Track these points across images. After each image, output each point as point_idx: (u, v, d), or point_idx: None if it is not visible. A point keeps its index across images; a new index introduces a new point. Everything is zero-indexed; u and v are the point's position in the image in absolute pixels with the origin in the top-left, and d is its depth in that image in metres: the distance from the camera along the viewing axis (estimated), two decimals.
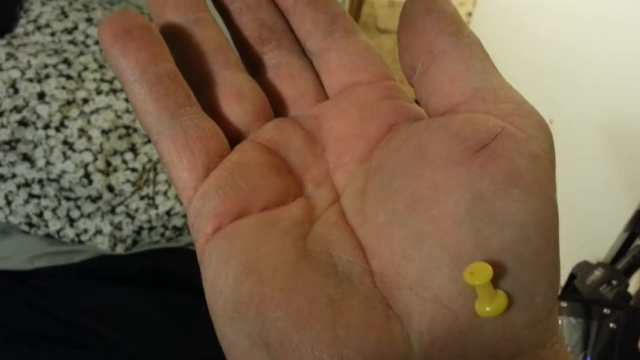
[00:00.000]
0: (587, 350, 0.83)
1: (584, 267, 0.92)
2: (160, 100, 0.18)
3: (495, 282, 0.15)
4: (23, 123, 0.68)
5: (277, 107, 0.22)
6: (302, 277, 0.16)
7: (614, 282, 0.88)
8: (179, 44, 0.21)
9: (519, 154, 0.16)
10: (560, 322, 0.82)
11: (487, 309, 0.15)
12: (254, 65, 0.22)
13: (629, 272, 0.91)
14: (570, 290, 0.94)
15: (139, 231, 0.71)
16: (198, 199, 0.18)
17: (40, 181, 0.69)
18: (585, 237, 1.09)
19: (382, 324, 0.15)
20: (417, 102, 0.21)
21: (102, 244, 0.70)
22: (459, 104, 0.17)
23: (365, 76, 0.21)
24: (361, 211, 0.18)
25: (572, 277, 0.95)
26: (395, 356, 0.15)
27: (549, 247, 0.16)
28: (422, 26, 0.18)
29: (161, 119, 0.18)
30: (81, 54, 0.73)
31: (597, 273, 0.89)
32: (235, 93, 0.20)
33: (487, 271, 0.15)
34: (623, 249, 1.00)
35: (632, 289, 0.93)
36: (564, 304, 0.83)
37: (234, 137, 0.20)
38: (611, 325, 0.82)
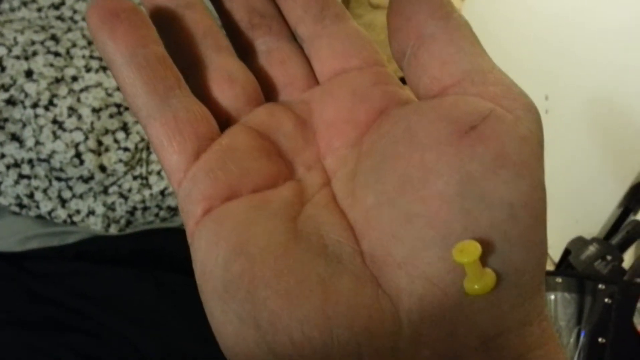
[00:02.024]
0: (582, 324, 0.84)
1: (578, 243, 0.93)
2: (149, 83, 0.18)
3: (484, 260, 0.15)
4: (11, 102, 0.66)
5: (267, 92, 0.22)
6: (292, 257, 0.16)
7: (609, 258, 0.89)
8: (169, 27, 0.21)
9: (507, 135, 0.16)
10: (554, 297, 0.83)
11: (476, 286, 0.15)
12: (244, 50, 0.22)
13: (623, 247, 0.91)
14: (565, 265, 0.95)
15: (132, 211, 0.70)
16: (188, 181, 0.18)
17: (30, 161, 0.68)
18: (580, 213, 1.10)
19: (371, 302, 0.16)
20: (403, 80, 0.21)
21: (95, 225, 0.69)
22: (449, 86, 0.18)
23: (356, 62, 0.21)
24: (351, 193, 0.18)
25: (566, 252, 0.95)
26: (384, 333, 0.15)
27: (537, 226, 0.16)
28: (412, 10, 0.18)
29: (150, 102, 0.18)
30: (69, 30, 0.71)
31: (592, 248, 0.90)
32: (225, 77, 0.21)
33: (476, 249, 0.15)
34: (617, 225, 1.00)
35: (626, 264, 0.94)
36: (558, 279, 0.83)
37: (224, 121, 0.20)
38: (606, 300, 0.83)
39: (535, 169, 0.16)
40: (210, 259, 0.17)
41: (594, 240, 0.92)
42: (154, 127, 0.19)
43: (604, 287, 0.85)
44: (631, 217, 0.99)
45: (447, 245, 0.16)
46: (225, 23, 0.22)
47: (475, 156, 0.16)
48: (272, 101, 0.22)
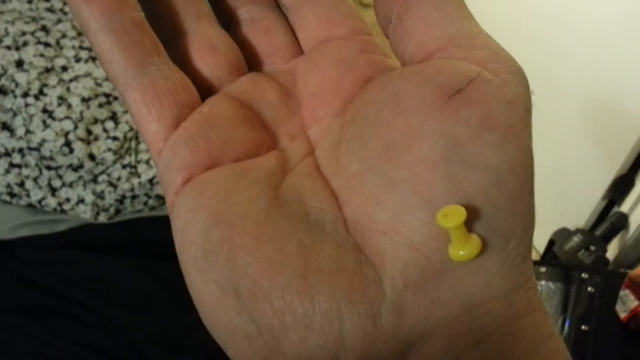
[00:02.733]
0: (567, 313, 0.85)
1: (563, 234, 0.94)
2: (126, 49, 0.18)
3: (469, 226, 0.15)
4: (1, 91, 0.67)
5: (251, 62, 0.21)
6: (273, 225, 0.16)
7: (592, 248, 0.90)
8: None
9: (494, 99, 0.16)
10: (539, 286, 0.84)
11: (461, 252, 0.15)
12: (227, 19, 0.22)
13: (607, 238, 0.93)
14: (550, 256, 0.96)
15: (121, 200, 0.71)
16: (167, 150, 0.18)
17: (20, 150, 0.69)
18: (565, 207, 1.11)
19: (354, 269, 0.15)
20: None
21: (85, 213, 0.70)
22: (435, 51, 0.17)
23: (341, 30, 0.21)
24: (335, 161, 0.18)
25: (551, 243, 0.96)
26: (367, 300, 0.15)
27: (524, 192, 0.16)
28: None
29: (128, 69, 0.18)
30: (59, 21, 0.72)
31: (576, 239, 0.91)
32: (207, 45, 0.20)
33: (460, 213, 0.14)
34: (602, 217, 1.02)
35: (610, 254, 0.95)
36: (543, 269, 0.84)
37: (206, 91, 0.20)
38: (589, 289, 0.84)
39: (522, 134, 0.16)
40: (189, 227, 0.17)
41: (578, 231, 0.93)
42: (131, 94, 0.18)
43: (587, 276, 0.86)
44: (615, 209, 1.00)
45: (431, 210, 0.15)
46: None
47: (461, 120, 0.16)
48: (256, 71, 0.21)
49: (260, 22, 0.22)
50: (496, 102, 0.16)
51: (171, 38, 0.20)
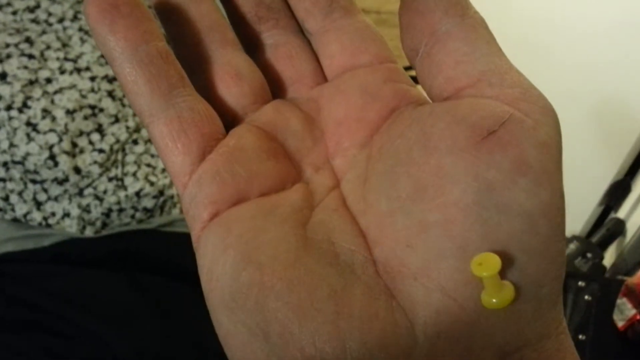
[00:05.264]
0: None
1: None
2: (152, 81, 0.18)
3: (502, 273, 0.15)
4: None
5: (274, 88, 0.21)
6: (303, 267, 0.16)
7: (589, 255, 0.89)
8: (173, 21, 0.20)
9: (526, 141, 0.15)
10: None
11: (494, 300, 0.15)
12: (250, 44, 0.22)
13: (603, 245, 0.92)
14: None
15: (108, 213, 0.70)
16: (193, 184, 0.18)
17: (5, 164, 0.67)
18: None
19: (385, 315, 0.15)
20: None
21: (71, 227, 0.69)
22: (464, 87, 0.17)
23: (366, 58, 0.20)
24: (363, 198, 0.18)
25: None
26: (399, 348, 0.15)
27: (556, 237, 0.15)
28: (425, 5, 0.18)
29: (153, 101, 0.18)
30: (43, 32, 0.71)
31: (572, 246, 0.90)
32: (232, 73, 0.20)
33: (496, 262, 0.14)
34: (598, 223, 1.01)
35: (607, 261, 0.94)
36: None
37: (230, 120, 0.20)
38: (586, 297, 0.83)
39: (555, 177, 0.16)
40: (217, 266, 0.16)
41: (574, 238, 0.92)
42: (157, 127, 0.18)
43: (584, 284, 0.85)
44: (612, 215, 0.99)
45: (464, 256, 0.15)
46: (231, 15, 0.22)
47: (494, 163, 0.15)
48: (279, 97, 0.21)
49: (284, 47, 0.21)
50: (529, 145, 0.15)
51: (196, 65, 0.20)
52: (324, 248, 0.16)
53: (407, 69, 0.21)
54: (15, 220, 0.69)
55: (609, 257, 0.95)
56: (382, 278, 0.16)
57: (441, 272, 0.15)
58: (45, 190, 0.69)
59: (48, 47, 0.70)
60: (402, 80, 0.20)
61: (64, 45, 0.71)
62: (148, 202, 0.71)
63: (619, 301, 0.79)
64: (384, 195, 0.17)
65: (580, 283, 0.84)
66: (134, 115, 0.72)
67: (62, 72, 0.69)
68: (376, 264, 0.16)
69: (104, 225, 0.70)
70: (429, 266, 0.15)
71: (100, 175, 0.69)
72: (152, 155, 0.73)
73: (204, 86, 0.20)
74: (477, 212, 0.15)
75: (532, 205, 0.15)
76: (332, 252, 0.16)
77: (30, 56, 0.69)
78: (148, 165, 0.72)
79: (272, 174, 0.18)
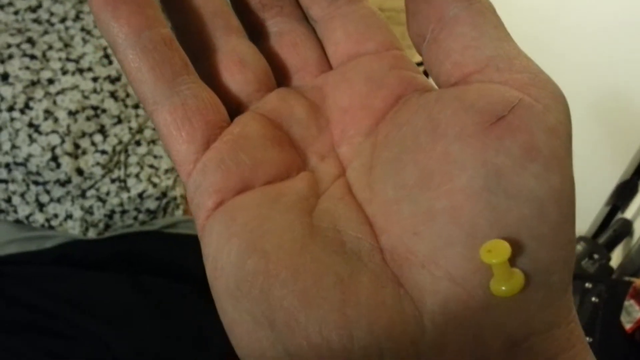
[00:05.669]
0: None
1: None
2: (155, 68, 0.17)
3: (512, 260, 0.15)
4: None
5: (279, 76, 0.21)
6: (309, 254, 0.16)
7: (596, 256, 0.88)
8: (176, 7, 0.20)
9: (536, 126, 0.15)
10: None
11: (503, 288, 0.14)
12: (254, 32, 0.21)
13: (610, 245, 0.91)
14: None
15: (110, 215, 0.69)
16: (198, 172, 0.18)
17: (7, 165, 0.67)
18: None
19: (393, 303, 0.15)
20: (425, 72, 0.20)
21: (73, 229, 0.68)
22: (472, 73, 0.17)
23: (371, 45, 0.20)
24: (369, 186, 0.18)
25: None
26: (407, 336, 0.14)
27: (567, 224, 0.15)
28: None
29: (157, 88, 0.18)
30: (45, 32, 0.70)
31: (579, 247, 0.89)
32: (236, 61, 0.20)
33: (505, 249, 0.14)
34: (605, 223, 1.00)
35: (614, 262, 0.93)
36: None
37: (235, 108, 0.20)
38: (593, 299, 0.82)
39: (565, 162, 0.15)
40: (222, 255, 0.16)
41: (580, 239, 0.91)
42: (161, 114, 0.18)
43: (591, 286, 0.84)
44: (619, 216, 0.99)
45: (472, 243, 0.15)
46: (235, 3, 0.21)
47: (503, 149, 0.15)
48: (283, 85, 0.21)
49: (288, 35, 0.21)
50: (538, 130, 0.15)
51: (199, 52, 0.20)
52: (330, 236, 0.16)
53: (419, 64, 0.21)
54: (17, 222, 0.69)
55: (616, 258, 0.95)
56: (389, 266, 0.16)
57: (449, 260, 0.15)
58: (48, 192, 0.68)
59: (50, 48, 0.69)
60: (407, 68, 0.20)
61: (66, 45, 0.70)
62: (151, 204, 0.71)
63: (626, 303, 0.78)
64: (390, 182, 0.17)
65: (587, 284, 0.84)
66: (137, 116, 0.72)
67: (65, 72, 0.68)
68: (383, 252, 0.16)
69: (107, 227, 0.70)
70: (437, 254, 0.15)
71: (103, 176, 0.69)
72: (155, 157, 0.73)
73: (208, 74, 0.20)
74: (485, 199, 0.15)
75: (542, 191, 0.15)
76: (338, 240, 0.16)
77: (32, 57, 0.68)
78: (151, 166, 0.72)
79: (277, 162, 0.18)
